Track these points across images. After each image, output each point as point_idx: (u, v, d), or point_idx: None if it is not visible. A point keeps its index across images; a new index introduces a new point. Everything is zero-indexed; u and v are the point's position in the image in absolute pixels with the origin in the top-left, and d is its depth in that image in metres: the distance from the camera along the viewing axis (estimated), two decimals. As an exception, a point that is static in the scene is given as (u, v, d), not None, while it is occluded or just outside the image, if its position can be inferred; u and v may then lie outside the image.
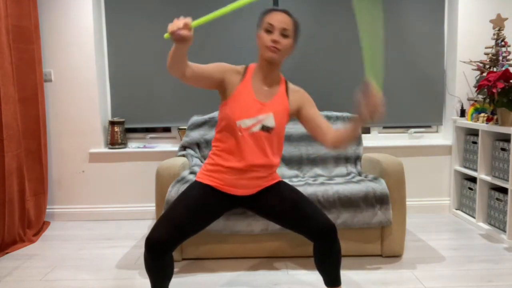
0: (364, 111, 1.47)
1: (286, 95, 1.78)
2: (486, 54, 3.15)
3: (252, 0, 1.35)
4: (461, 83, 3.29)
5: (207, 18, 1.36)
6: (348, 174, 2.83)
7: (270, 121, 1.72)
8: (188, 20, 1.35)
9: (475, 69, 3.18)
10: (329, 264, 1.75)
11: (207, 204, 1.74)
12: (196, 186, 1.78)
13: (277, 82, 1.78)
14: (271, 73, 1.75)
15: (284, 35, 1.67)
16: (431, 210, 3.40)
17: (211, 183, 1.77)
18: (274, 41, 1.65)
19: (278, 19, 1.66)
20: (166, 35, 1.36)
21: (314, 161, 2.93)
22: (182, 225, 1.64)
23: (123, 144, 3.32)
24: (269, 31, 1.66)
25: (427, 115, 3.44)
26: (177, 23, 1.34)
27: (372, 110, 1.45)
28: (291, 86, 1.83)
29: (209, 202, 1.74)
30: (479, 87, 2.90)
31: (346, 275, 2.26)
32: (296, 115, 1.82)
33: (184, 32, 1.35)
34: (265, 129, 1.72)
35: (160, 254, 1.59)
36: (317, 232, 1.69)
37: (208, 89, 1.73)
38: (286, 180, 2.35)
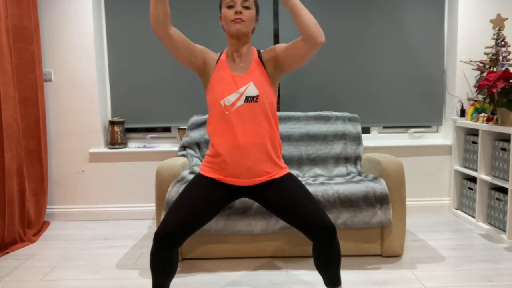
0: None
1: (260, 61, 1.79)
2: (486, 54, 3.15)
3: None
4: (461, 83, 3.29)
5: None
6: (348, 174, 2.83)
7: (252, 90, 1.73)
8: None
9: (475, 69, 3.18)
10: (328, 264, 1.75)
11: (211, 197, 1.76)
12: (200, 179, 1.80)
13: (250, 54, 1.80)
14: (242, 47, 1.78)
15: (245, 7, 1.72)
16: (431, 210, 3.40)
17: (213, 175, 1.79)
18: (237, 13, 1.70)
19: None
20: None
21: (314, 161, 2.93)
22: (189, 218, 1.68)
23: (123, 144, 3.32)
24: (230, 6, 1.71)
25: (427, 115, 3.44)
26: None
27: None
28: (262, 51, 1.84)
29: (213, 194, 1.77)
30: (479, 87, 2.90)
31: (346, 275, 2.26)
32: (277, 68, 1.79)
33: None
34: (250, 99, 1.73)
35: (168, 247, 1.65)
36: (316, 232, 1.69)
37: (185, 64, 1.75)
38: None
